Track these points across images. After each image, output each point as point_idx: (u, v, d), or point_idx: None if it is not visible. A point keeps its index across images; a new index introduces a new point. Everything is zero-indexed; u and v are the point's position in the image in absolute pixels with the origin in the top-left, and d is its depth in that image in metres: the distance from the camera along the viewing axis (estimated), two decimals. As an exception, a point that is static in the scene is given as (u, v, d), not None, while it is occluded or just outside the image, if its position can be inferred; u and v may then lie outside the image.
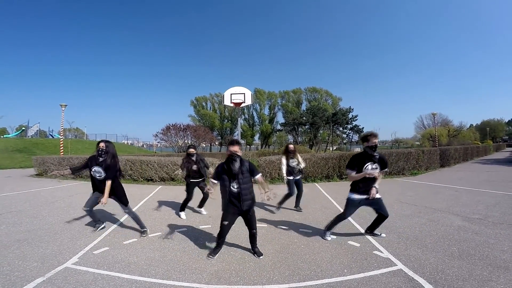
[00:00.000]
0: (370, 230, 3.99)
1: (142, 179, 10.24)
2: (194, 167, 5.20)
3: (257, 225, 3.41)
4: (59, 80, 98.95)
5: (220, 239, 3.33)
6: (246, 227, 3.37)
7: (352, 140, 46.25)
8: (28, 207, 6.06)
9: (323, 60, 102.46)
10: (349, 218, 4.88)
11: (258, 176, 3.26)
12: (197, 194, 5.45)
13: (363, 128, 45.72)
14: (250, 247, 3.44)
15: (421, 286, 2.52)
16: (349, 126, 45.50)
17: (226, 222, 3.19)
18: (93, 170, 3.95)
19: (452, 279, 2.63)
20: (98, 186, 4.01)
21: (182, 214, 5.25)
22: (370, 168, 3.50)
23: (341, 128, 46.25)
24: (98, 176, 3.94)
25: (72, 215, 5.34)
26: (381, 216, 3.75)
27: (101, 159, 3.92)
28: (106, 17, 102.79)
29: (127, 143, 49.85)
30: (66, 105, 15.62)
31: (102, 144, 3.96)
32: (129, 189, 8.63)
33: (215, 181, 3.23)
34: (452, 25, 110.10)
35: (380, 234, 3.94)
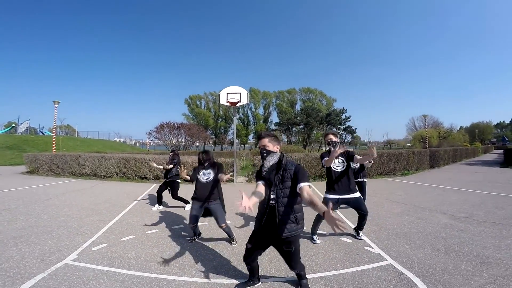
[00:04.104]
0: (356, 229, 3.94)
1: (136, 177, 10.24)
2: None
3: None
4: (50, 76, 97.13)
5: (247, 266, 2.53)
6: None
7: (345, 140, 46.80)
8: (21, 205, 6.02)
9: (318, 60, 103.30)
10: (341, 215, 5.06)
11: (304, 185, 2.09)
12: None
13: (356, 129, 46.42)
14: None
15: (409, 280, 2.66)
16: (342, 127, 46.08)
17: (249, 245, 2.39)
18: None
19: (438, 273, 2.78)
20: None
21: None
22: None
23: (334, 129, 46.74)
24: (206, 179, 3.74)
25: (67, 213, 5.34)
26: (361, 215, 3.68)
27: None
28: (99, 12, 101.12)
29: (120, 141, 49.25)
30: (59, 102, 15.42)
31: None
32: (124, 187, 8.68)
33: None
34: (445, 27, 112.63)
35: (360, 237, 3.84)
